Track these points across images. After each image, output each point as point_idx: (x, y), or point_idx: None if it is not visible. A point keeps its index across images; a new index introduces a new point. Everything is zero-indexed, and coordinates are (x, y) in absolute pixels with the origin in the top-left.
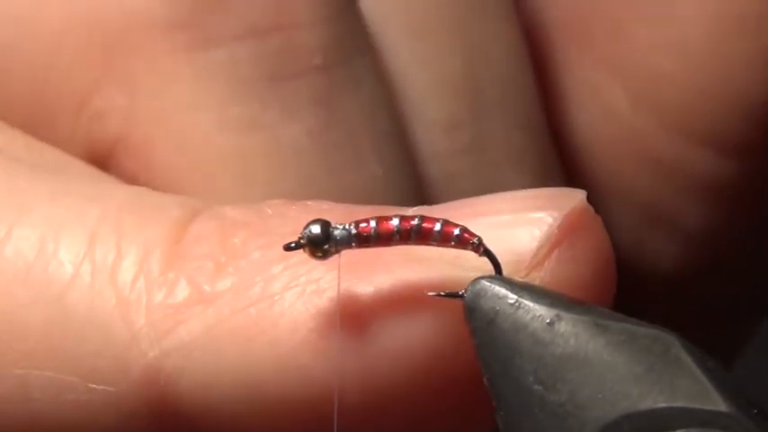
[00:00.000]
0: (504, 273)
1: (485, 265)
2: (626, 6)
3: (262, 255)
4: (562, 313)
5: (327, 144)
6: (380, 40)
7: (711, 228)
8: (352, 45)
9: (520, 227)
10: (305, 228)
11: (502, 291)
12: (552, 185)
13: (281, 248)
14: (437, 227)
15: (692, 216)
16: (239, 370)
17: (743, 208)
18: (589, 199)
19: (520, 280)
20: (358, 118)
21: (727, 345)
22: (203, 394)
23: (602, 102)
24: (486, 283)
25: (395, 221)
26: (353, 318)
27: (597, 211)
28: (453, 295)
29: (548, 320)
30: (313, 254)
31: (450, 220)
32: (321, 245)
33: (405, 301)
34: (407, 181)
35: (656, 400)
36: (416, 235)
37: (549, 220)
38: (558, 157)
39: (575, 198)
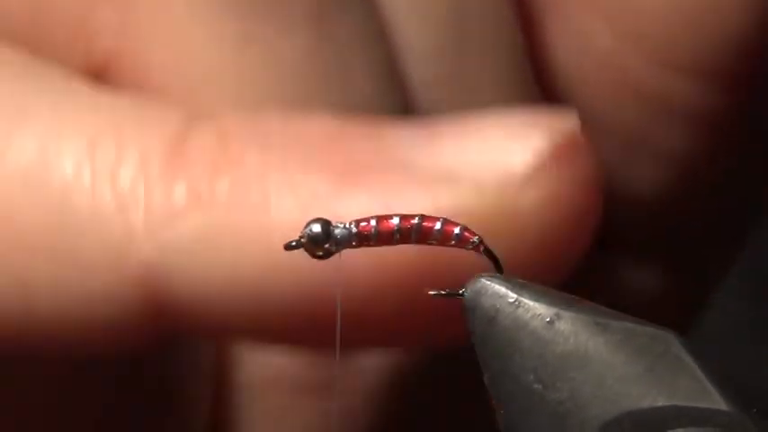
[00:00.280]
0: (495, 192)
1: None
2: None
3: (259, 160)
4: (562, 312)
5: (321, 61)
6: None
7: (693, 155)
8: None
9: (513, 147)
10: (305, 226)
11: (502, 289)
12: None
13: (279, 154)
14: (437, 226)
15: (673, 144)
16: (232, 271)
17: (725, 136)
18: None
19: (520, 279)
20: (350, 39)
21: (706, 274)
22: (196, 292)
23: (584, 32)
24: (485, 282)
25: (395, 220)
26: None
27: None
28: (453, 294)
29: (547, 319)
30: (313, 253)
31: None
32: (321, 243)
33: None
34: (398, 105)
35: (655, 398)
36: (417, 234)
37: (542, 142)
38: (539, 89)
39: (568, 120)
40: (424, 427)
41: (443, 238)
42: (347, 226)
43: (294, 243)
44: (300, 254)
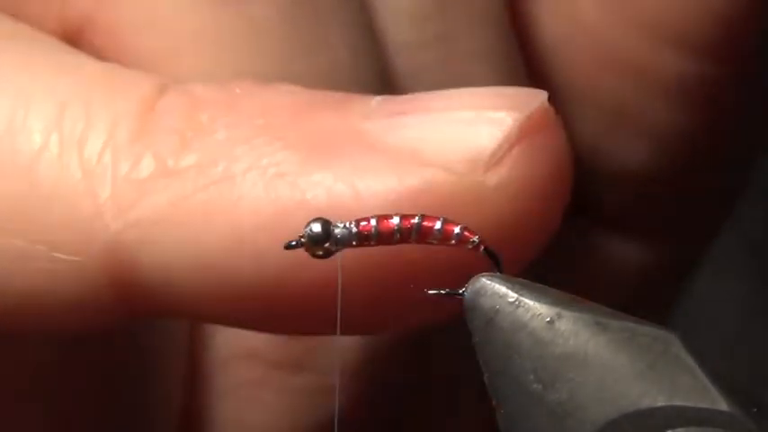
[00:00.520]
0: (462, 170)
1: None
2: None
3: (227, 133)
4: (562, 311)
5: (296, 24)
6: None
7: (678, 128)
8: None
9: (481, 125)
10: (305, 226)
11: (502, 289)
12: (517, 85)
13: (247, 128)
14: (437, 225)
15: (658, 117)
16: (198, 248)
17: (710, 109)
18: (551, 100)
19: (520, 278)
20: (326, 1)
21: (691, 245)
22: (163, 270)
23: (570, 4)
24: (485, 282)
25: (395, 220)
26: None
27: (561, 111)
28: (453, 293)
29: (548, 319)
30: (313, 252)
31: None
32: (321, 243)
33: None
34: (375, 70)
35: (655, 398)
36: (417, 233)
37: (510, 120)
38: (522, 58)
39: (536, 98)
40: (409, 407)
41: (443, 238)
42: (347, 225)
43: (294, 243)
44: (261, 232)
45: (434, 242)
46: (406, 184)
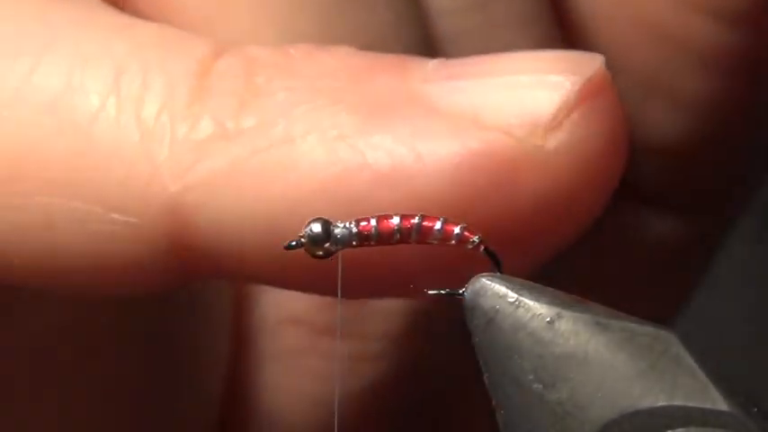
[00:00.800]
0: (522, 134)
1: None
2: None
3: (286, 95)
4: (562, 312)
5: None
6: None
7: (710, 98)
8: None
9: (540, 89)
10: (305, 226)
11: (502, 289)
12: None
13: (306, 91)
14: (437, 225)
15: (690, 86)
16: (256, 210)
17: (743, 79)
18: None
19: (520, 279)
20: None
21: (723, 218)
22: (221, 231)
23: None
24: (486, 282)
25: (395, 220)
26: None
27: None
28: (453, 293)
29: (548, 319)
30: (313, 252)
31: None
32: (321, 243)
33: None
34: (417, 32)
35: (656, 398)
36: (417, 233)
37: (568, 84)
38: (559, 28)
39: (594, 62)
40: (452, 373)
41: (443, 238)
42: (347, 225)
43: (294, 243)
44: (320, 193)
45: (434, 242)
46: (468, 148)
